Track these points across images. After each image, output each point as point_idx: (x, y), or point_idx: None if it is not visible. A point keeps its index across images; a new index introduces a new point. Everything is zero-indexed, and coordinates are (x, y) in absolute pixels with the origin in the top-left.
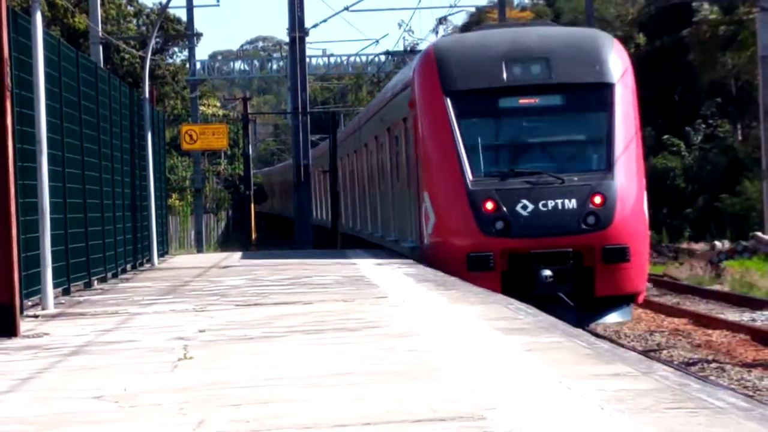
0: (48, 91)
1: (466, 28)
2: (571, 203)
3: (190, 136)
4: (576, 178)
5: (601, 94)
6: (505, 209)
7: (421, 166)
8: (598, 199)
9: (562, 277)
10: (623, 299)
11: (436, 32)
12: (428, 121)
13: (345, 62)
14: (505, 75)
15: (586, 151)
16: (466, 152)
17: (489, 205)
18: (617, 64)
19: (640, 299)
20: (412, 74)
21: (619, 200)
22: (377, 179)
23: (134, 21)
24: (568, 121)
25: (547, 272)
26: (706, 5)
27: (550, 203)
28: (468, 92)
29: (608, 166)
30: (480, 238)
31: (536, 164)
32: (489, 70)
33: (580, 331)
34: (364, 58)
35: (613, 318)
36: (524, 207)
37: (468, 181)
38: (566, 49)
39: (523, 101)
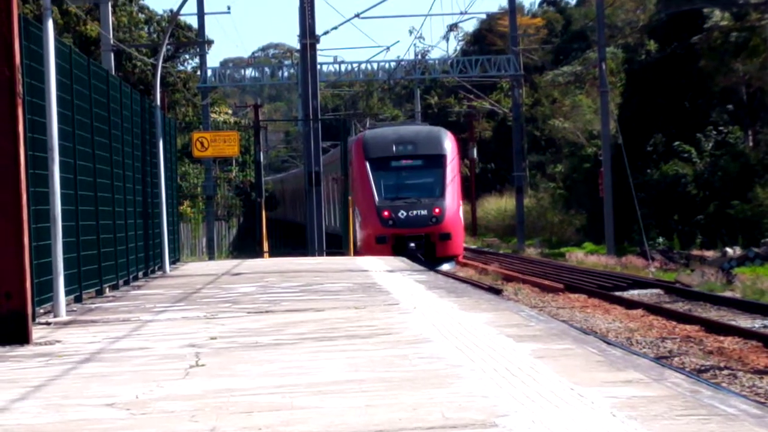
0: (60, 98)
1: (476, 35)
2: (424, 212)
3: (202, 143)
4: (426, 200)
5: (439, 160)
6: (393, 215)
7: (355, 193)
8: (437, 210)
9: (419, 246)
10: (450, 258)
11: (447, 39)
12: (358, 172)
13: (356, 69)
14: (394, 149)
15: (432, 187)
16: (375, 187)
17: (386, 213)
18: (448, 145)
19: (460, 258)
20: (352, 148)
21: (447, 210)
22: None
23: (145, 28)
24: (423, 173)
25: (413, 244)
26: (717, 12)
27: (414, 212)
28: (377, 158)
29: (442, 194)
30: (381, 228)
31: (408, 193)
32: (387, 147)
33: (591, 337)
34: (375, 65)
35: (445, 267)
36: (402, 214)
37: (376, 201)
38: (424, 137)
39: (403, 162)
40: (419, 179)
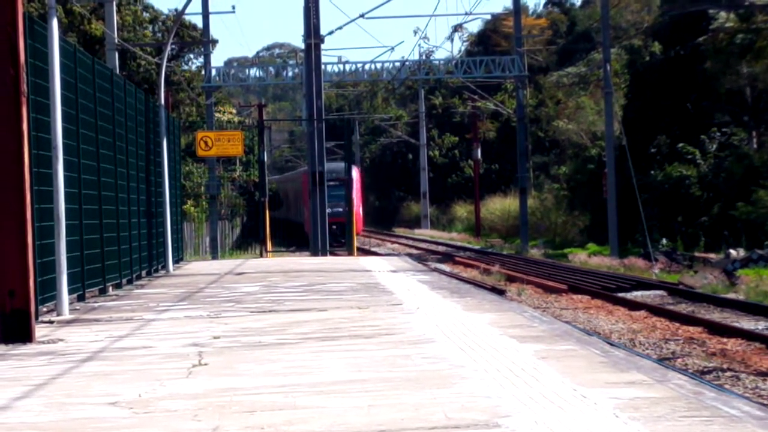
0: (64, 97)
1: (481, 36)
2: (340, 209)
3: (206, 142)
4: (341, 203)
5: (349, 182)
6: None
7: (305, 200)
8: (346, 210)
9: (337, 227)
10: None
11: (452, 40)
12: (305, 189)
13: (360, 69)
14: (327, 177)
15: (343, 196)
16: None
17: None
18: (354, 174)
19: (360, 233)
20: (301, 177)
21: (353, 210)
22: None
23: (150, 27)
24: (338, 189)
25: (334, 227)
26: (723, 13)
27: (335, 209)
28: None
29: (348, 201)
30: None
31: (332, 199)
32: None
33: (594, 339)
34: (379, 65)
35: (356, 237)
36: (329, 210)
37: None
38: (339, 168)
39: (329, 183)
40: (337, 192)
